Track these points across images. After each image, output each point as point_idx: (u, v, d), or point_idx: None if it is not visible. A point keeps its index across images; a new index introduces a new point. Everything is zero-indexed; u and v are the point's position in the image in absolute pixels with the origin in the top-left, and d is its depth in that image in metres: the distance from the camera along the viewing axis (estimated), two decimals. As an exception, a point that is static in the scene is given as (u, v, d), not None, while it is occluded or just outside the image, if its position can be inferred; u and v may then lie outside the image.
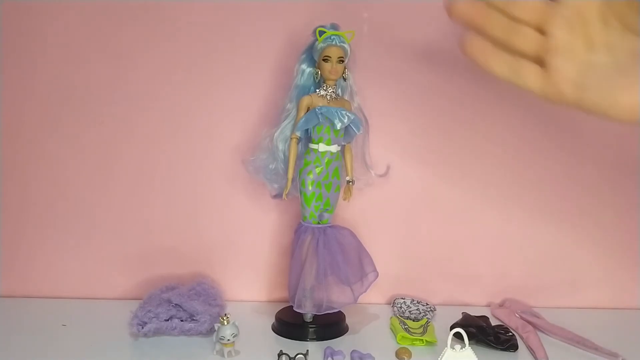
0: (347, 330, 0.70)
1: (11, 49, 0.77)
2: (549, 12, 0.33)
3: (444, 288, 0.81)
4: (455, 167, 0.79)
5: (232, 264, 0.80)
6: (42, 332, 0.67)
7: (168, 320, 0.66)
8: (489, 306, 0.80)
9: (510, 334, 0.66)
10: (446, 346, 0.56)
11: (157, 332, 0.65)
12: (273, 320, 0.72)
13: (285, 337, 0.68)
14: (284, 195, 0.69)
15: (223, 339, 0.60)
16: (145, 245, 0.80)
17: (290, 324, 0.69)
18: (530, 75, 0.34)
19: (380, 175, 0.74)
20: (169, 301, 0.68)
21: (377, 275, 0.69)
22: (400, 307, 0.76)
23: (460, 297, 0.81)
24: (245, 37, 0.77)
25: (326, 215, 0.69)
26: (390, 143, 0.78)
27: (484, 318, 0.70)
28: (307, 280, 0.66)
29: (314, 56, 0.67)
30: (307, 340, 0.67)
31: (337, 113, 0.66)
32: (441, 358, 0.56)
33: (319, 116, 0.66)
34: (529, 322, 0.72)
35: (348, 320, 0.72)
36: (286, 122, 0.69)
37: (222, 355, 0.61)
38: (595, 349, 0.65)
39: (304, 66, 0.69)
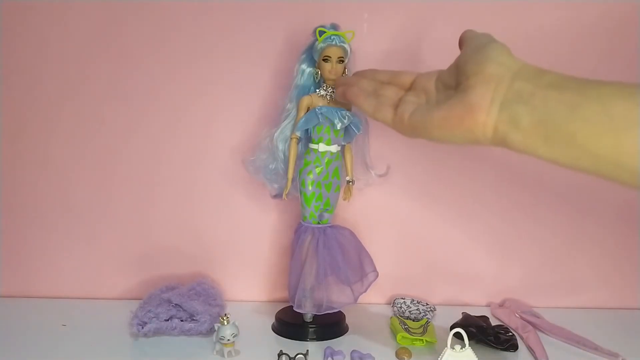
0: (347, 330, 0.70)
1: (11, 49, 0.77)
2: (406, 80, 0.53)
3: (444, 288, 0.81)
4: (455, 167, 0.79)
5: (232, 264, 0.80)
6: (42, 332, 0.67)
7: (168, 320, 0.66)
8: (489, 306, 0.80)
9: (510, 334, 0.66)
10: (446, 346, 0.56)
11: (157, 332, 0.65)
12: (273, 320, 0.72)
13: (285, 337, 0.68)
14: (284, 195, 0.69)
15: (223, 339, 0.60)
16: (145, 245, 0.80)
17: (290, 324, 0.69)
18: (386, 114, 0.51)
19: (380, 175, 0.74)
20: (169, 301, 0.68)
21: (377, 275, 0.69)
22: (400, 307, 0.76)
23: (460, 297, 0.81)
24: (245, 37, 0.77)
25: (326, 215, 0.69)
26: (390, 143, 0.78)
27: (484, 318, 0.70)
28: (307, 280, 0.66)
29: (314, 56, 0.67)
30: (307, 340, 0.67)
31: (337, 113, 0.66)
32: (441, 358, 0.56)
33: (319, 116, 0.66)
34: (529, 322, 0.72)
35: (348, 320, 0.72)
36: (286, 122, 0.69)
37: (222, 355, 0.61)
38: (595, 349, 0.65)
39: (304, 66, 0.69)
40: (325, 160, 0.67)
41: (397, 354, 0.63)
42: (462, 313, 0.71)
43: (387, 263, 0.73)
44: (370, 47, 0.75)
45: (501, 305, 0.79)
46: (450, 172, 0.79)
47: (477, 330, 0.65)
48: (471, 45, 0.47)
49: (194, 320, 0.66)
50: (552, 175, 0.79)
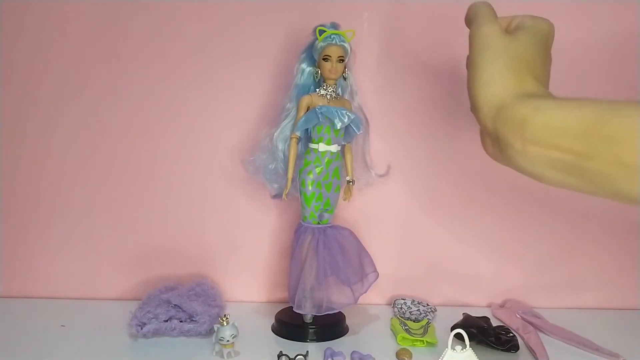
0: (348, 331, 0.70)
1: (11, 49, 0.77)
2: None
3: (445, 289, 0.81)
4: (455, 167, 0.79)
5: (232, 265, 0.80)
6: (41, 333, 0.67)
7: (167, 321, 0.66)
8: (490, 307, 0.79)
9: (511, 334, 0.66)
10: (447, 347, 0.56)
11: (156, 333, 0.65)
12: (273, 321, 0.71)
13: (285, 338, 0.68)
14: (283, 195, 0.69)
15: (222, 340, 0.60)
16: (144, 246, 0.80)
17: (290, 325, 0.69)
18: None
19: (380, 175, 0.74)
20: (169, 302, 0.68)
21: (378, 276, 0.69)
22: (401, 308, 0.75)
23: (460, 298, 0.81)
24: (245, 36, 0.77)
25: (326, 215, 0.69)
26: (391, 143, 0.78)
27: (485, 319, 0.69)
28: (307, 280, 0.66)
29: (314, 55, 0.67)
30: (307, 341, 0.67)
31: (337, 113, 0.65)
32: (442, 359, 0.56)
33: (319, 116, 0.65)
34: (530, 323, 0.72)
35: (348, 321, 0.71)
36: (286, 121, 0.69)
37: (222, 356, 0.61)
38: (596, 349, 0.64)
39: (303, 65, 0.69)
40: (325, 160, 0.67)
41: (397, 355, 0.63)
42: (463, 314, 0.71)
43: (387, 263, 0.73)
44: (370, 46, 0.75)
45: (502, 305, 0.79)
46: (450, 172, 0.79)
47: (477, 331, 0.65)
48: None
49: (193, 321, 0.66)
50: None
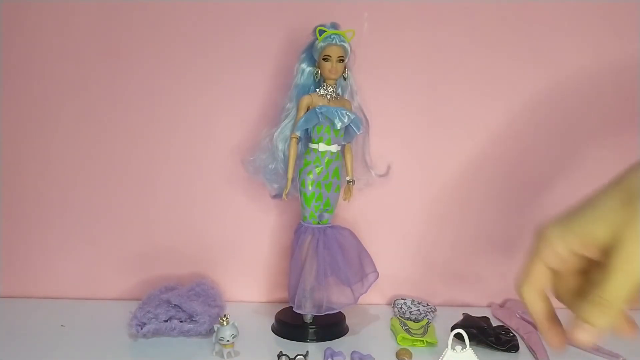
0: (348, 331, 0.70)
1: (11, 49, 0.77)
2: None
3: (445, 289, 0.81)
4: (456, 167, 0.79)
5: (232, 265, 0.80)
6: (41, 333, 0.67)
7: (167, 321, 0.66)
8: (490, 307, 0.79)
9: (511, 334, 0.66)
10: (447, 347, 0.56)
11: (156, 333, 0.65)
12: (273, 321, 0.71)
13: (285, 338, 0.68)
14: (283, 195, 0.68)
15: (222, 340, 0.60)
16: (144, 246, 0.80)
17: (290, 325, 0.69)
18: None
19: (381, 175, 0.74)
20: (169, 302, 0.68)
21: (378, 276, 0.69)
22: (401, 308, 0.75)
23: (460, 298, 0.81)
24: (245, 36, 0.77)
25: (326, 215, 0.68)
26: (391, 143, 0.77)
27: (485, 319, 0.69)
28: (307, 280, 0.66)
29: (314, 55, 0.67)
30: (307, 341, 0.67)
31: (337, 113, 0.65)
32: (442, 359, 0.56)
33: (319, 116, 0.65)
34: (530, 323, 0.72)
35: (348, 321, 0.71)
36: (286, 121, 0.69)
37: (222, 356, 0.61)
38: (596, 349, 0.64)
39: (303, 65, 0.69)
40: (325, 160, 0.67)
41: (397, 355, 0.62)
42: (463, 314, 0.71)
43: (387, 263, 0.73)
44: (370, 46, 0.75)
45: (502, 305, 0.79)
46: (450, 172, 0.79)
47: (477, 331, 0.65)
48: None
49: (193, 321, 0.66)
50: (552, 176, 0.79)
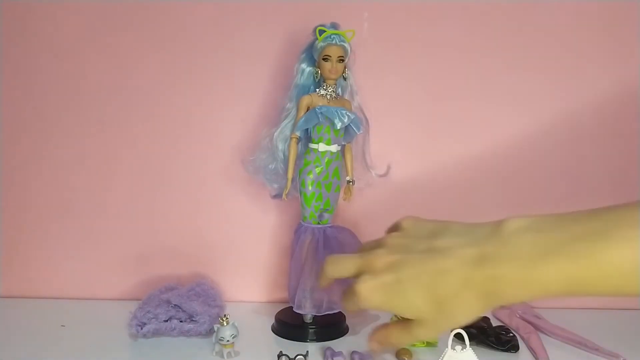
0: (348, 331, 0.70)
1: (11, 49, 0.77)
2: None
3: (445, 288, 0.81)
4: (456, 167, 0.79)
5: (232, 265, 0.80)
6: (41, 333, 0.67)
7: (167, 321, 0.66)
8: (490, 307, 0.79)
9: (511, 334, 0.66)
10: (447, 347, 0.56)
11: (156, 333, 0.65)
12: (273, 321, 0.71)
13: (285, 338, 0.68)
14: (283, 195, 0.68)
15: (222, 340, 0.60)
16: (144, 246, 0.80)
17: (290, 325, 0.69)
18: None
19: (381, 175, 0.74)
20: (168, 302, 0.68)
21: (378, 276, 0.69)
22: (401, 308, 0.75)
23: (460, 298, 0.81)
24: (245, 36, 0.77)
25: (326, 215, 0.68)
26: (391, 143, 0.78)
27: (485, 319, 0.69)
28: (307, 280, 0.66)
29: (314, 55, 0.67)
30: (307, 341, 0.67)
31: (337, 113, 0.65)
32: (442, 359, 0.56)
33: (319, 116, 0.65)
34: (530, 323, 0.72)
35: (348, 321, 0.71)
36: (286, 121, 0.69)
37: (222, 356, 0.61)
38: (597, 349, 0.64)
39: (303, 65, 0.69)
40: (325, 160, 0.67)
41: (397, 355, 0.62)
42: (463, 314, 0.71)
43: (387, 263, 0.73)
44: (370, 46, 0.75)
45: (502, 305, 0.79)
46: (450, 172, 0.79)
47: (477, 331, 0.65)
48: None
49: (193, 321, 0.66)
50: (552, 177, 0.79)
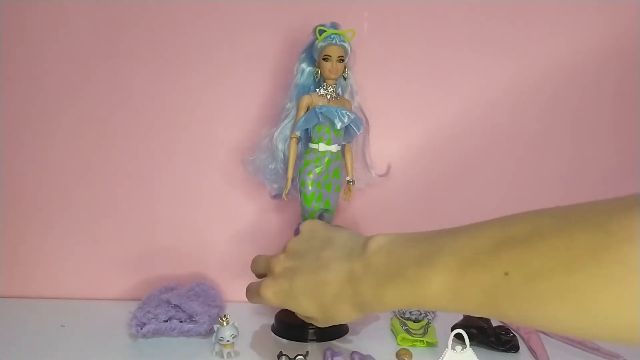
0: (348, 332, 0.70)
1: (11, 49, 0.77)
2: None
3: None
4: (456, 167, 0.79)
5: (232, 265, 0.80)
6: (41, 333, 0.67)
7: (167, 321, 0.66)
8: (490, 307, 0.79)
9: (511, 334, 0.66)
10: (447, 347, 0.56)
11: (156, 333, 0.65)
12: (273, 321, 0.71)
13: (285, 338, 0.68)
14: (283, 195, 0.68)
15: (222, 340, 0.60)
16: (144, 246, 0.80)
17: (290, 325, 0.69)
18: None
19: (381, 175, 0.74)
20: (168, 302, 0.68)
21: (378, 276, 0.69)
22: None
23: (461, 298, 0.81)
24: (245, 36, 0.77)
25: (326, 215, 0.68)
26: (391, 143, 0.78)
27: (485, 319, 0.69)
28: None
29: (314, 55, 0.67)
30: (307, 341, 0.67)
31: (337, 112, 0.65)
32: (442, 359, 0.56)
33: (319, 116, 0.65)
34: (530, 323, 0.71)
35: (348, 321, 0.71)
36: (286, 121, 0.69)
37: (222, 357, 0.61)
38: (596, 349, 0.64)
39: (303, 65, 0.68)
40: (325, 160, 0.67)
41: (397, 355, 0.62)
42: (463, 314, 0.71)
43: (387, 263, 0.73)
44: (370, 46, 0.75)
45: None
46: (451, 172, 0.79)
47: (478, 331, 0.65)
48: None
49: (193, 321, 0.66)
50: (552, 175, 0.79)
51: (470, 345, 0.56)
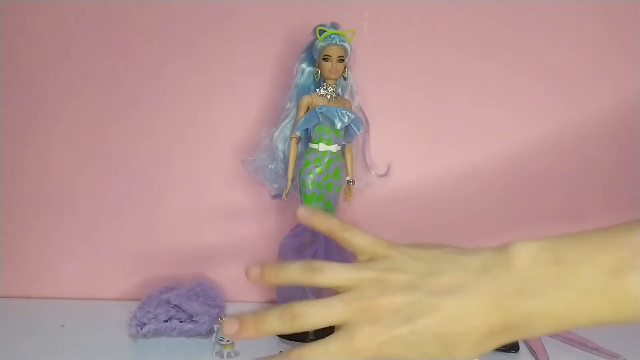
0: (347, 331, 0.70)
1: (11, 49, 0.76)
2: None
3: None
4: (456, 167, 0.79)
5: (232, 264, 0.80)
6: (41, 333, 0.67)
7: (167, 321, 0.66)
8: (490, 307, 0.79)
9: (511, 334, 0.66)
10: (447, 347, 0.56)
11: (156, 333, 0.65)
12: (273, 321, 0.71)
13: (285, 338, 0.67)
14: (283, 195, 0.68)
15: (222, 340, 0.60)
16: (144, 246, 0.80)
17: (290, 325, 0.69)
18: None
19: (381, 175, 0.74)
20: (168, 302, 0.68)
21: (378, 276, 0.69)
22: (401, 308, 0.75)
23: (461, 298, 0.81)
24: (245, 36, 0.77)
25: (326, 215, 0.68)
26: (391, 143, 0.77)
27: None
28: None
29: (314, 55, 0.67)
30: (307, 341, 0.66)
31: (337, 112, 0.65)
32: (442, 359, 0.56)
33: (319, 116, 0.65)
34: (530, 323, 0.71)
35: (348, 321, 0.71)
36: (286, 121, 0.69)
37: (222, 357, 0.61)
38: (597, 349, 0.64)
39: (303, 65, 0.69)
40: (325, 160, 0.67)
41: (397, 355, 0.62)
42: (463, 314, 0.71)
43: (387, 263, 0.73)
44: (370, 46, 0.75)
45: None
46: (451, 172, 0.79)
47: (477, 331, 0.64)
48: None
49: (193, 321, 0.66)
50: (553, 175, 0.79)
51: (470, 345, 0.56)
